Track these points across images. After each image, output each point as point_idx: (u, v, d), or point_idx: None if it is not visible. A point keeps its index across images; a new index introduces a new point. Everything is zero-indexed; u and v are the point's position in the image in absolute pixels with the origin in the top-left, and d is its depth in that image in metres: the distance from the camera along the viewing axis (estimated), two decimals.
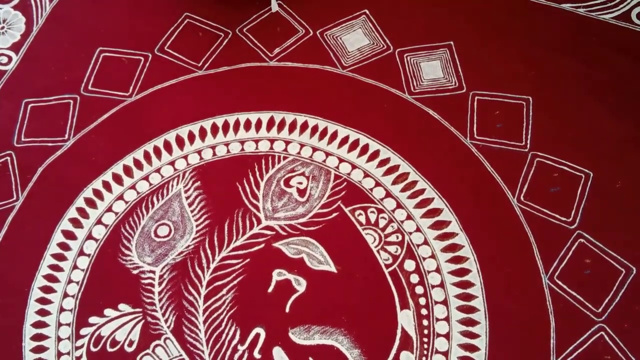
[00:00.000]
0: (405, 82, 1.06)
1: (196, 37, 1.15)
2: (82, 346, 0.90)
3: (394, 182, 0.98)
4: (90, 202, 1.01)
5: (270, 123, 1.05)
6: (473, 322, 0.87)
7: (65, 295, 0.94)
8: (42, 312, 0.93)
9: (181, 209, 0.99)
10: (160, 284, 0.93)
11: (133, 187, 1.02)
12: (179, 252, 0.96)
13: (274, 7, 1.09)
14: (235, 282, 0.92)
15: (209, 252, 0.95)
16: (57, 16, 1.22)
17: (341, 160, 1.01)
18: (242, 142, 1.04)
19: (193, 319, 0.90)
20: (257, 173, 1.01)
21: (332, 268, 0.92)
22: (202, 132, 1.05)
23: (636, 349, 0.83)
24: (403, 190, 0.97)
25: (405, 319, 0.88)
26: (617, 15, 1.09)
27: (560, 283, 0.88)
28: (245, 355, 0.87)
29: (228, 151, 1.04)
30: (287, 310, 0.90)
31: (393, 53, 1.10)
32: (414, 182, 0.98)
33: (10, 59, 1.17)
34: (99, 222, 0.99)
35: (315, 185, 0.99)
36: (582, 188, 0.95)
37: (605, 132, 0.99)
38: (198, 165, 1.03)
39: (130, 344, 0.89)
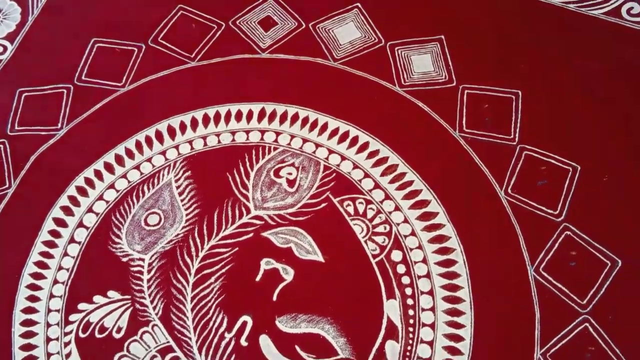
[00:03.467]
0: (396, 75, 1.07)
1: (189, 29, 1.16)
2: (70, 332, 0.91)
3: (383, 174, 0.99)
4: (81, 191, 1.02)
5: (262, 114, 1.06)
6: (458, 313, 0.88)
7: (55, 281, 0.95)
8: (32, 298, 0.94)
9: (171, 198, 1.00)
10: (149, 271, 0.94)
11: (124, 176, 1.03)
12: (169, 240, 0.96)
13: None
14: (223, 270, 0.93)
15: (198, 240, 0.96)
16: (52, 6, 1.23)
17: (331, 152, 1.01)
18: (233, 133, 1.05)
19: (181, 306, 0.91)
20: (248, 163, 1.02)
21: (319, 258, 0.93)
22: (194, 123, 1.06)
23: (620, 341, 0.84)
24: (392, 181, 0.98)
25: (391, 309, 0.89)
26: (608, 11, 1.10)
27: (545, 275, 0.89)
28: (232, 342, 0.88)
29: (219, 141, 1.04)
30: (275, 298, 0.90)
31: (384, 46, 1.11)
32: (403, 174, 0.98)
33: (5, 48, 1.18)
34: (90, 210, 1.00)
35: (304, 176, 1.00)
36: (569, 181, 0.95)
37: (593, 126, 0.99)
38: (189, 155, 1.03)
39: (119, 330, 0.90)
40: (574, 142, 0.98)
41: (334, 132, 1.03)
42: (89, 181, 1.02)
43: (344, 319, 0.88)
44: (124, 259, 0.95)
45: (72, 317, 0.92)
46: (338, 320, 0.88)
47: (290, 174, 1.00)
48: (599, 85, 1.03)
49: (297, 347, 0.87)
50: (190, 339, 0.88)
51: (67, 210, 1.00)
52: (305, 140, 1.03)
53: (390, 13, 1.14)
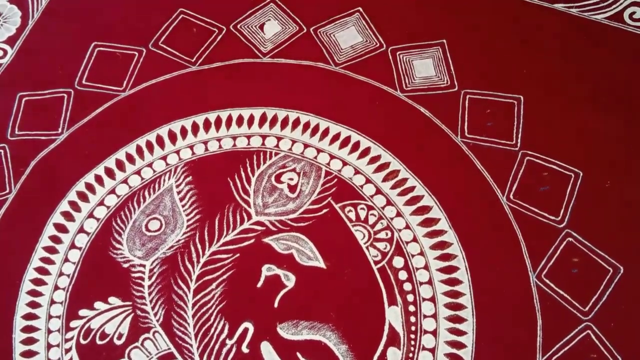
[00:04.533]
0: (398, 79, 1.07)
1: (190, 33, 1.16)
2: (71, 338, 0.90)
3: (385, 179, 0.98)
4: (82, 196, 1.01)
5: (263, 119, 1.06)
6: (460, 319, 0.87)
7: (56, 287, 0.95)
8: (33, 304, 0.93)
9: (172, 204, 1.00)
10: (150, 277, 0.94)
11: (125, 181, 1.02)
12: (170, 246, 0.96)
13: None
14: (224, 276, 0.93)
15: (199, 246, 0.96)
16: (52, 10, 1.23)
17: (332, 157, 1.01)
18: (234, 138, 1.05)
19: (182, 312, 0.91)
20: (249, 169, 1.02)
21: (321, 264, 0.93)
22: (195, 127, 1.06)
23: (622, 348, 0.83)
24: (393, 187, 0.98)
25: (393, 316, 0.88)
26: (610, 16, 1.09)
27: (547, 281, 0.89)
28: (234, 349, 0.88)
29: (220, 146, 1.04)
30: (276, 305, 0.90)
31: (386, 51, 1.10)
32: (404, 180, 0.98)
33: (5, 52, 1.18)
34: (90, 215, 1.00)
35: (306, 182, 1.00)
36: (571, 187, 0.95)
37: (595, 132, 0.99)
38: (190, 160, 1.03)
39: (120, 337, 0.90)
40: (576, 147, 0.98)
41: (336, 137, 1.03)
42: (89, 186, 1.02)
43: (346, 325, 0.88)
44: (125, 265, 0.95)
45: (73, 324, 0.91)
46: (340, 327, 0.88)
47: (291, 179, 1.00)
48: (601, 90, 1.02)
49: (298, 354, 0.87)
50: (191, 345, 0.88)
51: (67, 216, 1.00)
52: (306, 146, 1.03)
53: (392, 17, 1.14)
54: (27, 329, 0.92)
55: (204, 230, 0.97)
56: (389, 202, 0.97)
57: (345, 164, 1.00)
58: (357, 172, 0.99)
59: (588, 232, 0.91)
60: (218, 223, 0.97)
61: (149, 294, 0.93)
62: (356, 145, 1.01)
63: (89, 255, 0.97)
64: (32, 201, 1.02)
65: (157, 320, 0.91)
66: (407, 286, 0.90)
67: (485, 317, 0.87)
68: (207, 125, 1.06)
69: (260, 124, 1.05)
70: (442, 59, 1.08)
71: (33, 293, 0.94)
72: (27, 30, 1.20)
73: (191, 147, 1.04)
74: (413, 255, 0.92)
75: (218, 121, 1.06)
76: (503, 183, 0.96)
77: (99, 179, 1.02)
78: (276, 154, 1.03)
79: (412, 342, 0.87)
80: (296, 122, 1.05)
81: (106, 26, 1.18)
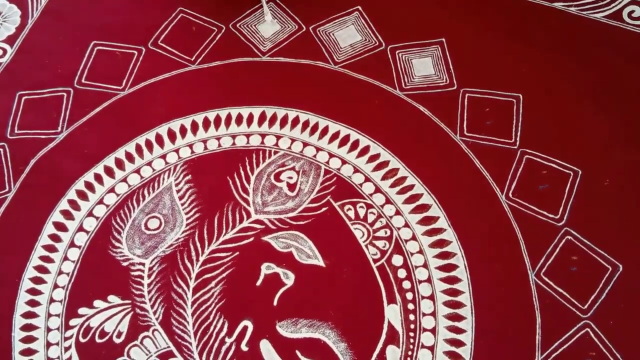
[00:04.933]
0: (397, 78, 1.07)
1: (190, 32, 1.16)
2: (71, 337, 0.90)
3: (384, 178, 0.98)
4: (81, 194, 1.01)
5: (262, 118, 1.06)
6: (459, 318, 0.87)
7: (56, 286, 0.95)
8: (32, 303, 0.93)
9: (172, 202, 1.00)
10: (149, 276, 0.94)
11: (124, 180, 1.02)
12: (169, 244, 0.96)
13: (268, 18, 1.09)
14: (224, 275, 0.93)
15: (198, 245, 0.96)
16: (52, 9, 1.23)
17: (331, 156, 1.01)
18: (234, 137, 1.05)
19: (181, 311, 0.91)
20: (248, 167, 1.02)
21: (320, 262, 0.93)
22: (194, 126, 1.06)
23: (621, 346, 0.83)
24: (392, 185, 0.98)
25: (392, 314, 0.89)
26: (609, 14, 1.09)
27: (546, 279, 0.89)
28: (233, 347, 0.88)
29: (219, 145, 1.04)
30: (275, 303, 0.90)
31: (385, 50, 1.10)
32: (403, 178, 0.98)
33: (5, 51, 1.18)
34: (90, 214, 1.00)
35: (305, 180, 1.00)
36: (570, 185, 0.95)
37: (594, 130, 0.99)
38: (189, 159, 1.03)
39: (119, 335, 0.90)
40: (575, 146, 0.98)
41: (335, 135, 1.03)
42: (89, 185, 1.02)
43: (345, 323, 0.88)
44: (124, 264, 0.95)
45: (72, 322, 0.91)
46: (339, 325, 0.88)
47: (290, 177, 1.00)
48: (599, 89, 1.02)
49: (297, 352, 0.87)
50: (190, 343, 0.88)
51: (67, 215, 1.00)
52: (305, 144, 1.03)
53: (391, 16, 1.14)
54: (27, 327, 0.92)
55: (203, 228, 0.97)
56: (388, 201, 0.97)
57: (344, 162, 1.00)
58: (356, 170, 1.00)
59: (587, 230, 0.91)
60: (217, 221, 0.97)
61: (149, 292, 0.93)
62: (355, 144, 1.02)
63: (89, 254, 0.97)
64: (31, 200, 1.02)
65: (157, 319, 0.91)
66: (406, 284, 0.90)
67: (485, 315, 0.87)
68: (206, 123, 1.06)
69: (260, 123, 1.05)
70: (441, 57, 1.08)
71: (32, 291, 0.94)
72: (27, 29, 1.20)
73: (190, 146, 1.04)
74: (412, 254, 0.92)
75: (217, 120, 1.06)
76: (502, 181, 0.96)
77: (98, 178, 1.03)
78: (275, 152, 1.03)
79: (411, 340, 0.87)
80: (295, 121, 1.05)
81: (105, 25, 1.18)
